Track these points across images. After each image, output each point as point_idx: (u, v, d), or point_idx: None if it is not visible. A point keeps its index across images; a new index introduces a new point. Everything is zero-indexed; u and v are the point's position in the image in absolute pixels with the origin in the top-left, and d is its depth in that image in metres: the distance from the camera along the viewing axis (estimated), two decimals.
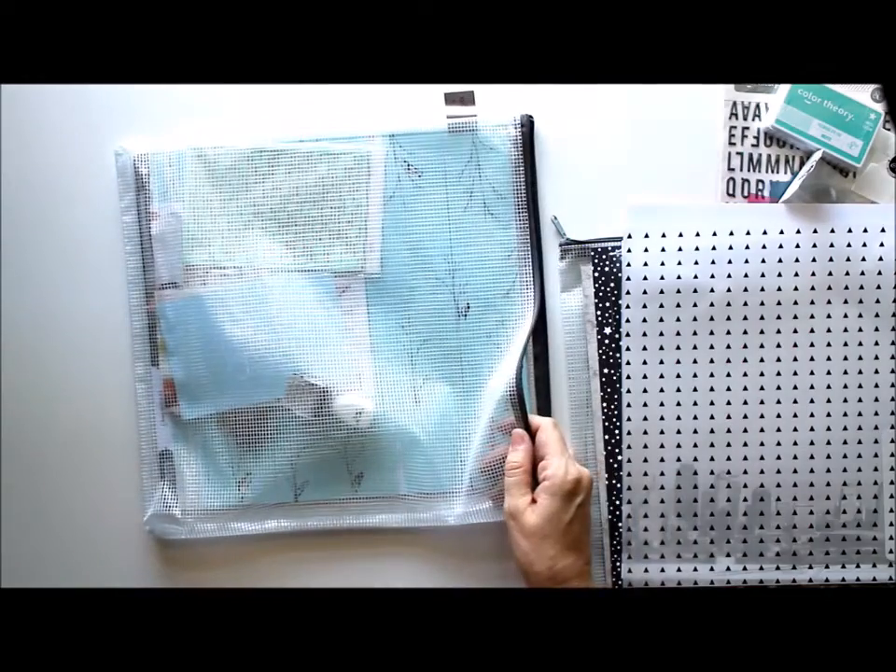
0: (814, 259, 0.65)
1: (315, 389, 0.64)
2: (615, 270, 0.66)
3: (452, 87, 0.66)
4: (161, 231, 0.66)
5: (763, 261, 0.65)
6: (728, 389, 0.66)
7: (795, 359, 0.66)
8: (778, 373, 0.66)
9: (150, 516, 0.67)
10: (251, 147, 0.66)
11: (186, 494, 0.67)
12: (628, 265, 0.66)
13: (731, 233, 0.66)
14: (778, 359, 0.66)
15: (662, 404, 0.66)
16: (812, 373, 0.66)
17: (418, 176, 0.66)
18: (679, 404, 0.66)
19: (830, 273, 0.65)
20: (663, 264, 0.66)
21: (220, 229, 0.66)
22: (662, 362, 0.66)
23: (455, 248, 0.66)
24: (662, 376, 0.66)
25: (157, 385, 0.67)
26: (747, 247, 0.65)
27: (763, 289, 0.65)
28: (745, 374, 0.66)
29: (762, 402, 0.66)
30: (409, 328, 0.66)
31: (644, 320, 0.66)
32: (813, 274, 0.65)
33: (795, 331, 0.66)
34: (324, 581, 0.67)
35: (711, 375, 0.66)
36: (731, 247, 0.65)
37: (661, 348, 0.66)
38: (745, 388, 0.66)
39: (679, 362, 0.66)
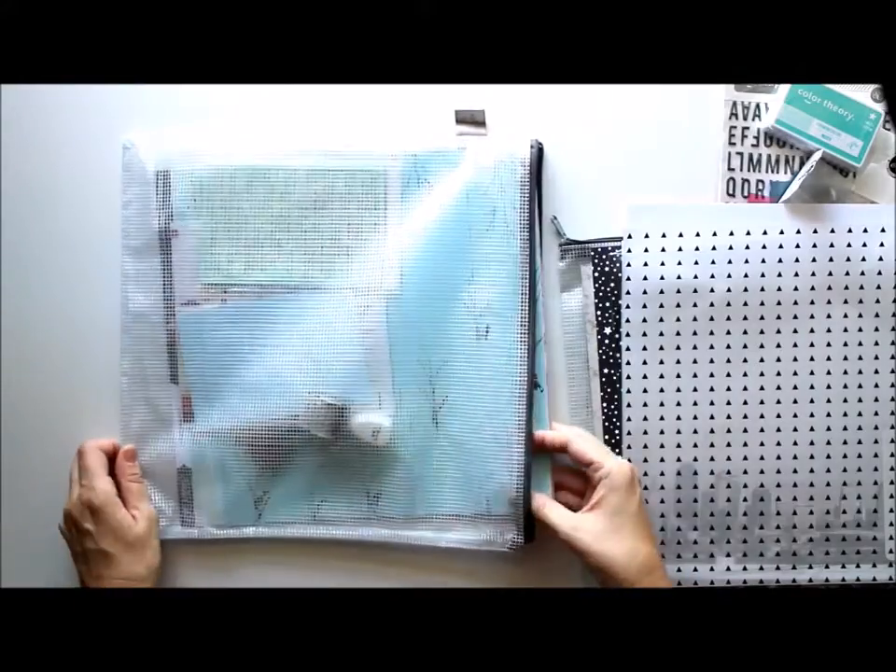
0: (814, 260, 0.65)
1: (333, 408, 0.64)
2: (615, 270, 0.66)
3: (461, 104, 0.65)
4: (179, 248, 0.66)
5: (763, 261, 0.65)
6: (728, 389, 0.66)
7: (795, 359, 0.66)
8: (778, 373, 0.66)
9: (169, 532, 0.67)
10: (268, 165, 0.65)
11: (203, 511, 0.67)
12: (628, 265, 0.66)
13: (731, 233, 0.66)
14: (778, 359, 0.66)
15: (662, 404, 0.66)
16: (812, 373, 0.66)
17: (437, 195, 0.65)
18: (679, 404, 0.66)
19: (830, 274, 0.65)
20: (663, 264, 0.66)
21: (238, 246, 0.66)
22: (662, 362, 0.66)
23: (476, 268, 0.64)
24: (662, 376, 0.66)
25: (175, 402, 0.67)
26: (747, 247, 0.65)
27: (763, 289, 0.65)
28: (745, 374, 0.66)
29: (762, 402, 0.66)
30: (429, 348, 0.65)
31: (644, 320, 0.66)
32: (813, 274, 0.65)
33: (795, 331, 0.66)
34: None
35: (711, 375, 0.66)
36: (731, 247, 0.65)
37: (661, 348, 0.66)
38: (745, 388, 0.66)
39: (678, 362, 0.66)
